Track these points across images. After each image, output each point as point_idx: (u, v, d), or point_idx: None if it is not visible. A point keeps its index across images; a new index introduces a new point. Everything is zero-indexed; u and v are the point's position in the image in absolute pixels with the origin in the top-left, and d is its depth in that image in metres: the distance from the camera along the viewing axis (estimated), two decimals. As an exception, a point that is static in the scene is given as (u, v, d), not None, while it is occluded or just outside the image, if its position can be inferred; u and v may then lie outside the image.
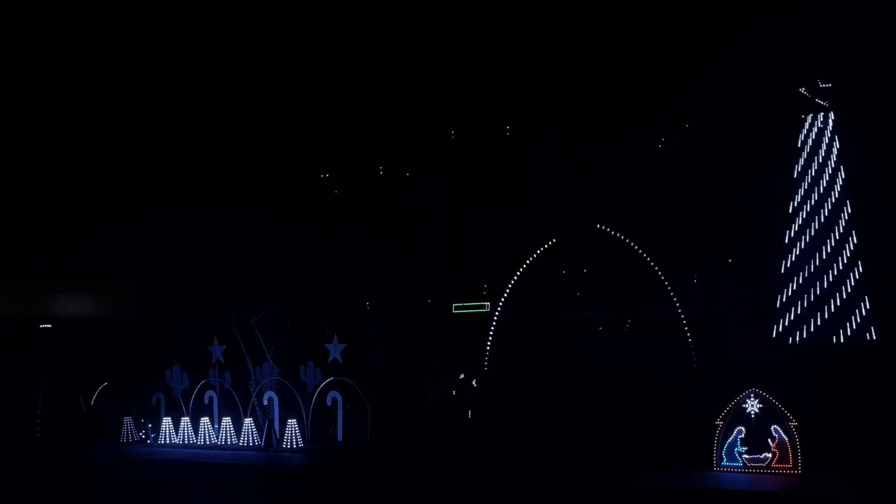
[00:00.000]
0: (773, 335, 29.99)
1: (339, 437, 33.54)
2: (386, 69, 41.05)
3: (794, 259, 29.31)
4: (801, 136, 30.53)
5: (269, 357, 35.54)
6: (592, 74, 40.24)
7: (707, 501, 22.18)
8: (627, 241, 34.41)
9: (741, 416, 24.08)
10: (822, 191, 29.71)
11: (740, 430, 24.06)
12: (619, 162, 42.22)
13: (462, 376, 40.96)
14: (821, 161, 29.92)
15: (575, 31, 40.96)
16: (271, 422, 33.11)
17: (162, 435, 35.52)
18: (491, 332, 40.33)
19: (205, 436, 34.43)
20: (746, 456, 23.94)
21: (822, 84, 30.16)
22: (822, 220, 29.37)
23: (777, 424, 23.58)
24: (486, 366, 39.74)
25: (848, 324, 29.09)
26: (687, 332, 35.31)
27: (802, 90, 30.52)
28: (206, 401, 35.87)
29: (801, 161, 30.31)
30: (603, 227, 34.70)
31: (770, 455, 23.63)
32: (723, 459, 24.23)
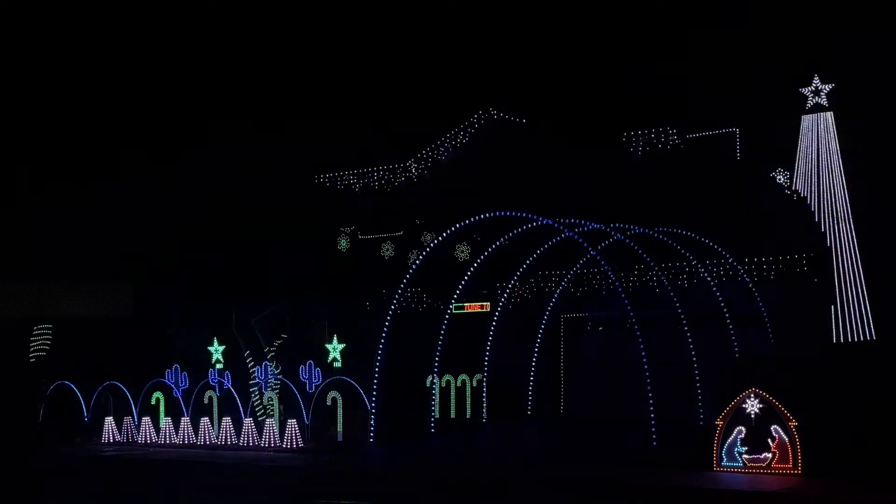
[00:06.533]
0: (773, 335, 30.01)
1: (340, 438, 33.54)
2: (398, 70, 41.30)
3: (794, 259, 29.34)
4: (802, 137, 30.58)
5: (269, 357, 35.55)
6: (590, 77, 40.32)
7: (707, 501, 22.17)
8: (628, 241, 34.44)
9: (741, 416, 24.09)
10: (821, 190, 29.76)
11: (740, 430, 24.07)
12: (618, 164, 42.26)
13: (462, 376, 40.97)
14: (821, 160, 29.97)
15: (572, 31, 41.05)
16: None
17: (162, 435, 35.53)
18: (491, 332, 40.34)
19: (205, 436, 34.43)
20: (746, 456, 23.95)
21: (821, 84, 30.21)
22: (822, 220, 29.41)
23: (777, 424, 23.59)
24: (486, 365, 39.75)
25: (848, 324, 29.11)
26: (687, 332, 35.33)
27: (803, 90, 30.57)
28: (206, 401, 35.86)
29: (802, 160, 30.36)
30: (603, 227, 34.72)
31: (770, 455, 23.64)
32: (723, 459, 24.24)
